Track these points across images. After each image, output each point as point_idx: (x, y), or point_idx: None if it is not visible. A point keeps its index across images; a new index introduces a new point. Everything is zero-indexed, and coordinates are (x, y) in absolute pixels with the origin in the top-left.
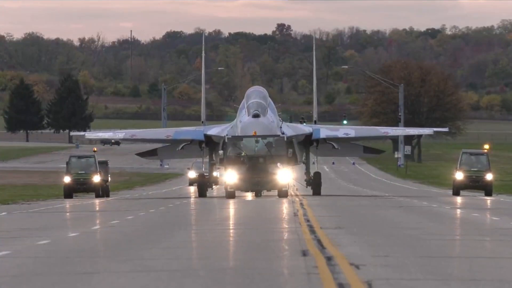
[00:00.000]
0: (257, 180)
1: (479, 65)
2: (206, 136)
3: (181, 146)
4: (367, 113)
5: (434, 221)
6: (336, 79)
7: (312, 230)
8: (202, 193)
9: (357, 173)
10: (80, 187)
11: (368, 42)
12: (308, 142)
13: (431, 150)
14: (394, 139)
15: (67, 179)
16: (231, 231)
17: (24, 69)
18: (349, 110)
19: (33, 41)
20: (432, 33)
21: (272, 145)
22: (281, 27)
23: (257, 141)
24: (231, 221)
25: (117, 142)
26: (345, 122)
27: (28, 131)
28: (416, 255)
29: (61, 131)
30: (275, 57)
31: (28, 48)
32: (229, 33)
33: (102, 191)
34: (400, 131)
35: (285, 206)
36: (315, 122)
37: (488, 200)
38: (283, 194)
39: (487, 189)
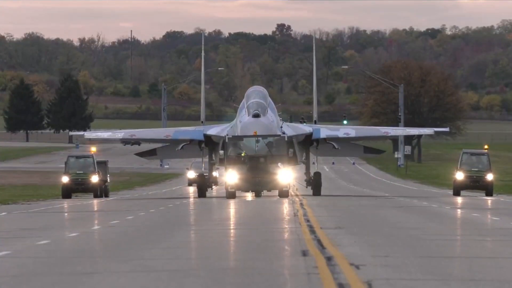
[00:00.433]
0: (257, 180)
1: (479, 65)
2: (205, 136)
3: (180, 146)
4: (367, 113)
5: (434, 221)
6: (336, 79)
7: (312, 230)
8: (202, 193)
9: (357, 173)
10: (79, 187)
11: (368, 42)
12: (308, 142)
13: (431, 150)
14: (394, 139)
15: (65, 179)
16: (231, 231)
17: (24, 69)
18: (349, 110)
19: (33, 41)
20: (432, 33)
21: (272, 145)
22: (281, 27)
23: (257, 141)
24: (231, 221)
25: (137, 142)
26: (345, 122)
27: (28, 131)
28: (416, 255)
29: (61, 131)
30: (275, 57)
31: (28, 48)
32: (229, 33)
33: (101, 191)
34: (400, 131)
35: (285, 206)
36: (315, 122)
37: (488, 200)
38: (284, 194)
39: (488, 189)
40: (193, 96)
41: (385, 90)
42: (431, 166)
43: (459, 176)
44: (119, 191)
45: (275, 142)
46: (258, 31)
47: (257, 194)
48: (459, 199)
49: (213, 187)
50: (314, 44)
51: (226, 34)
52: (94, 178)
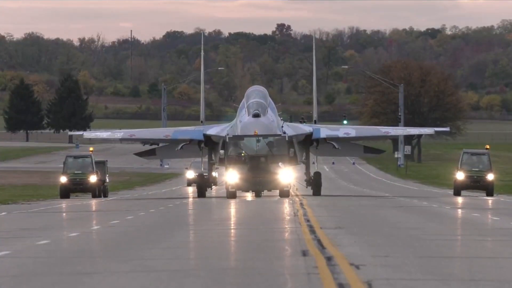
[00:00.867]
0: (258, 180)
1: (479, 65)
2: (205, 135)
3: (180, 146)
4: (367, 113)
5: (434, 221)
6: (336, 79)
7: (312, 230)
8: (201, 193)
9: (357, 173)
10: (77, 187)
11: (368, 42)
12: (308, 142)
13: (431, 150)
14: (394, 139)
15: (63, 179)
16: (231, 231)
17: (24, 69)
18: (349, 110)
19: (33, 41)
20: (432, 33)
21: (273, 144)
22: (281, 27)
23: (258, 141)
24: (231, 221)
25: (156, 143)
26: (345, 122)
27: (28, 131)
28: (416, 255)
29: (61, 131)
30: (275, 57)
31: (28, 48)
32: (229, 33)
33: (100, 191)
34: (401, 130)
35: (285, 206)
36: (315, 122)
37: (488, 200)
38: (284, 194)
39: (489, 189)
40: (193, 96)
41: (385, 90)
42: (431, 166)
43: (460, 176)
44: (119, 191)
45: (276, 142)
46: (258, 31)
47: (257, 194)
48: (459, 199)
49: (213, 187)
50: (314, 44)
51: (226, 34)
52: (93, 178)
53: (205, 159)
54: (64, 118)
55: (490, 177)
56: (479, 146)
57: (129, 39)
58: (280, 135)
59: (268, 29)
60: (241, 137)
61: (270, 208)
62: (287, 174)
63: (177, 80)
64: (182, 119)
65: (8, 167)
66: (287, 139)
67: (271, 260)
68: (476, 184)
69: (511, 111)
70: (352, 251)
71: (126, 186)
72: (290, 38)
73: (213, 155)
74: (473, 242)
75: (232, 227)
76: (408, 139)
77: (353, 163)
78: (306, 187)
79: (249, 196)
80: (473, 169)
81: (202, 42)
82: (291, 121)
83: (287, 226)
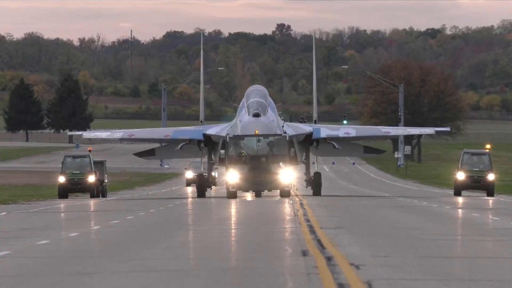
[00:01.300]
0: (259, 180)
1: (479, 65)
2: (205, 135)
3: (179, 145)
4: (367, 113)
5: (434, 221)
6: (336, 79)
7: (312, 230)
8: (201, 193)
9: (357, 173)
10: (75, 187)
11: (368, 42)
12: (308, 142)
13: (431, 150)
14: (394, 139)
15: (61, 179)
16: (231, 231)
17: (24, 69)
18: (349, 110)
19: (33, 41)
20: (432, 33)
21: (273, 144)
22: (281, 27)
23: (258, 141)
24: (231, 221)
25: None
26: (345, 122)
27: (28, 131)
28: (416, 255)
29: (61, 131)
30: (275, 57)
31: (28, 48)
32: (229, 33)
33: (98, 191)
34: (401, 130)
35: (285, 206)
36: (315, 122)
37: (489, 200)
38: (285, 194)
39: (489, 190)
40: (193, 96)
41: (385, 90)
42: (431, 166)
43: (460, 176)
44: (119, 191)
45: (276, 142)
46: (258, 31)
47: (257, 194)
48: (459, 199)
49: (212, 187)
50: (314, 44)
51: (226, 34)
52: (91, 178)
53: (205, 159)
54: (64, 118)
55: (491, 177)
56: (479, 146)
57: (129, 39)
58: (280, 134)
59: (268, 29)
60: (241, 137)
61: (270, 208)
62: (287, 174)
63: (177, 80)
64: (182, 119)
65: (8, 167)
66: (287, 138)
67: (271, 260)
68: (477, 184)
69: (511, 111)
70: (352, 251)
71: (126, 186)
72: (290, 38)
73: (212, 155)
74: (473, 242)
75: (232, 227)
76: (408, 139)
77: (353, 163)
78: (306, 187)
79: (249, 196)
80: (474, 169)
81: (202, 42)
82: (291, 121)
83: (287, 226)
